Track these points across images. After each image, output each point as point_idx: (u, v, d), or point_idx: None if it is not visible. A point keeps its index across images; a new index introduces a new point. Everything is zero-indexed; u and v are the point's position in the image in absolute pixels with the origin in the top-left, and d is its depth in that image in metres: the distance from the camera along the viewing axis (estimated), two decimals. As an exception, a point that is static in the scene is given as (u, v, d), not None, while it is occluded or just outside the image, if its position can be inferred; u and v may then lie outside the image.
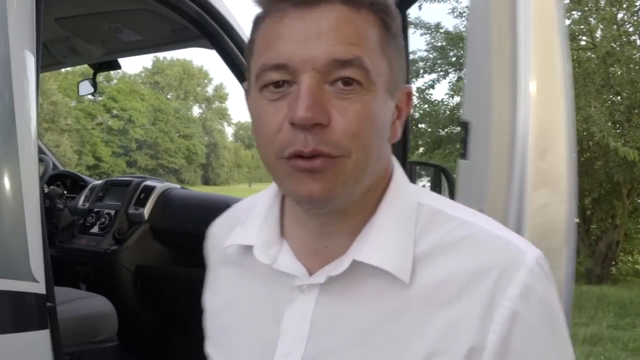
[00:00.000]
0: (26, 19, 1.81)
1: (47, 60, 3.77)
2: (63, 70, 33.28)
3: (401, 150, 2.32)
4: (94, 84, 3.97)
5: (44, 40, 3.47)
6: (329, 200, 0.85)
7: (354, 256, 0.88)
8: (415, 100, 14.46)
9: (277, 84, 0.84)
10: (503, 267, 0.86)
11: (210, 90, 63.99)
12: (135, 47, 3.52)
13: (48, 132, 33.57)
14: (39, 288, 1.82)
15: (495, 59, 1.63)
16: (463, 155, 1.71)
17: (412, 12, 14.67)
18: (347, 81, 0.83)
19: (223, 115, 66.30)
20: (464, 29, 14.16)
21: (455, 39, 14.04)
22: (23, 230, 1.78)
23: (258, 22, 0.89)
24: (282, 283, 0.94)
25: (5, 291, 1.72)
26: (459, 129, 14.76)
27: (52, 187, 3.83)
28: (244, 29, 2.80)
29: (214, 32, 2.76)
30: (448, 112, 14.36)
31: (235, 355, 1.00)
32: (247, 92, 0.92)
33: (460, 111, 1.77)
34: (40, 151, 4.43)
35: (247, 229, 0.98)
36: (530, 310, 0.85)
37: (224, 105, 66.60)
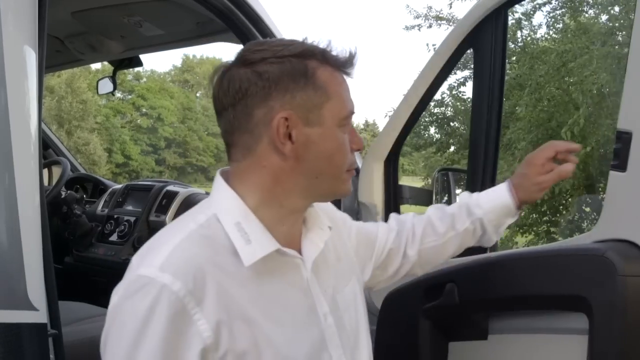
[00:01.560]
0: (26, 14, 1.68)
1: (65, 57, 3.65)
2: (93, 68, 33.61)
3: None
4: (114, 82, 3.81)
5: (61, 35, 3.34)
6: None
7: (328, 224, 1.36)
8: (446, 98, 14.23)
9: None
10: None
11: (239, 88, 62.94)
12: (157, 43, 3.35)
13: (78, 130, 33.77)
14: (38, 317, 1.62)
15: None
16: (617, 167, 1.58)
17: (445, 8, 14.44)
18: None
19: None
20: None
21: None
22: (18, 247, 1.58)
23: (324, 70, 1.22)
24: (293, 268, 1.26)
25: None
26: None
27: (69, 191, 3.66)
28: (274, 21, 2.58)
29: (242, 25, 2.57)
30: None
31: (293, 333, 1.22)
32: (310, 123, 1.21)
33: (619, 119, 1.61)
34: (60, 153, 4.28)
35: (258, 242, 1.19)
36: None
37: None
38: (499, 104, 2.18)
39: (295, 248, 1.27)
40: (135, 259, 1.16)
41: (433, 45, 14.24)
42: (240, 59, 1.21)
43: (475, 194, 1.64)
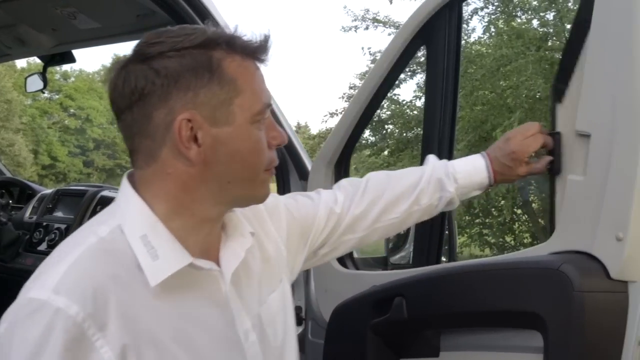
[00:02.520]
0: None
1: (-10, 51, 3.46)
2: (18, 67, 32.72)
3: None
4: (44, 79, 3.62)
5: (-15, 27, 3.09)
6: None
7: (250, 229, 1.24)
8: (381, 101, 14.36)
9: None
10: None
11: (170, 89, 62.75)
12: (93, 37, 3.16)
13: (2, 131, 32.98)
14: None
15: None
16: (575, 171, 1.48)
17: (382, 11, 14.56)
18: None
19: (183, 114, 65.92)
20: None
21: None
22: None
23: (231, 61, 1.10)
24: (210, 281, 1.15)
25: None
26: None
27: (-7, 197, 3.45)
28: (222, 14, 2.42)
29: (188, 19, 2.39)
30: (416, 113, 14.20)
31: (208, 357, 1.12)
32: (218, 123, 1.09)
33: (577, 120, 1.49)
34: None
35: (166, 258, 1.07)
36: None
37: (184, 104, 66.21)
38: (453, 102, 2.07)
39: (213, 258, 1.16)
40: (29, 280, 1.02)
41: (369, 48, 14.33)
42: (137, 54, 1.08)
43: (450, 165, 1.55)
